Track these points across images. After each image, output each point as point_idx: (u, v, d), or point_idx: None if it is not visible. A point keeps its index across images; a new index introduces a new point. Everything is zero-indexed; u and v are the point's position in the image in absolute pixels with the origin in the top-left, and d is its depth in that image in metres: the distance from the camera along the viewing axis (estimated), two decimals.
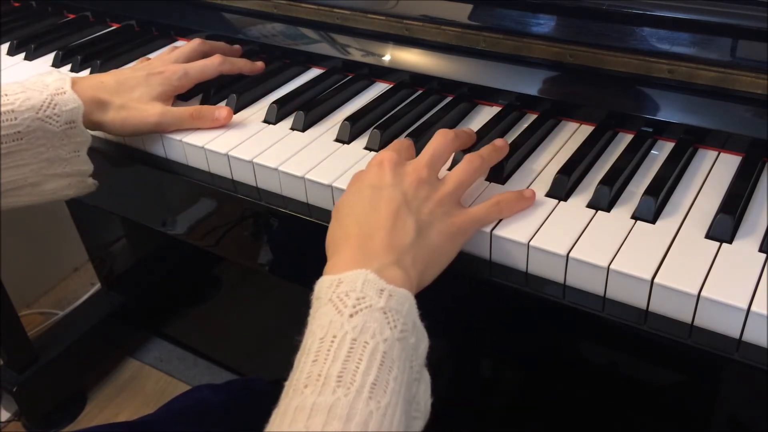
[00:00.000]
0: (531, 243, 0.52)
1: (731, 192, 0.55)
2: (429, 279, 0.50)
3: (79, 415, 1.35)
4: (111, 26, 0.97)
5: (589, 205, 0.56)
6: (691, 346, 0.48)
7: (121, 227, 1.43)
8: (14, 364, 1.27)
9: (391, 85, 0.76)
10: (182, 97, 0.74)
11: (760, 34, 0.57)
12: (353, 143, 0.67)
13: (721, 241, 0.51)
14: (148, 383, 1.41)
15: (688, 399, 0.53)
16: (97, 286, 1.54)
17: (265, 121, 0.71)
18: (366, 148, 0.66)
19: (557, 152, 0.64)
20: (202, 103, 0.75)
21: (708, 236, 0.52)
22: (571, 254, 0.51)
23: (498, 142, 0.60)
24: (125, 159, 0.74)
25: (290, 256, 0.72)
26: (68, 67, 0.86)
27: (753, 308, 0.46)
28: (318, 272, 0.48)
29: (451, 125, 0.69)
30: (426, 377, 0.45)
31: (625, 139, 0.64)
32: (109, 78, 0.69)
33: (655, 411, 0.54)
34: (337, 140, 0.67)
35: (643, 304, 0.50)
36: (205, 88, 0.75)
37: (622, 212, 0.55)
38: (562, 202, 0.57)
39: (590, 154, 0.61)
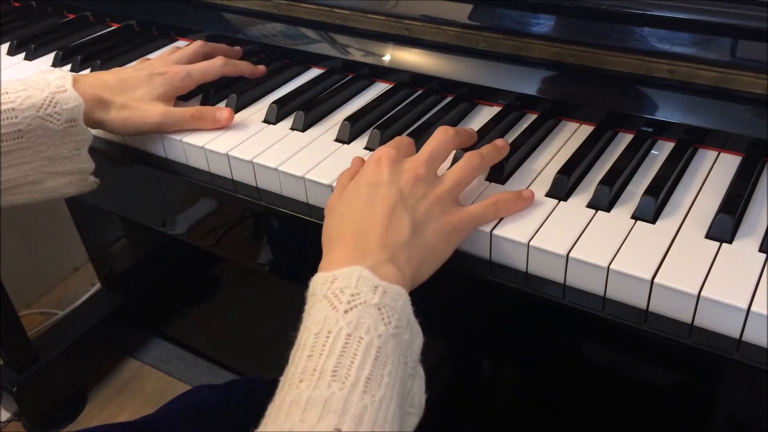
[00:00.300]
0: (531, 243, 0.52)
1: (731, 192, 0.55)
2: (424, 276, 0.50)
3: (79, 415, 1.35)
4: (111, 26, 0.97)
5: (589, 205, 0.56)
6: (691, 346, 0.48)
7: (121, 227, 1.43)
8: (14, 364, 1.27)
9: (391, 85, 0.76)
10: (182, 98, 0.74)
11: (760, 34, 0.57)
12: (353, 143, 0.67)
13: (721, 241, 0.51)
14: (148, 383, 1.40)
15: (688, 399, 0.53)
16: (97, 286, 1.54)
17: (265, 121, 0.71)
18: (366, 148, 0.66)
19: (557, 152, 0.64)
20: (202, 103, 0.75)
21: (708, 236, 0.52)
22: (571, 254, 0.51)
23: (499, 141, 0.60)
24: (125, 159, 0.74)
25: (290, 256, 0.72)
26: (68, 67, 0.86)
27: (753, 308, 0.46)
28: None
29: (451, 125, 0.68)
30: (420, 373, 0.45)
31: (625, 139, 0.64)
32: (111, 77, 0.68)
33: (655, 411, 0.54)
34: (337, 140, 0.67)
35: (643, 304, 0.50)
36: (205, 88, 0.75)
37: (622, 212, 0.55)
38: (562, 202, 0.57)
39: (590, 154, 0.61)
